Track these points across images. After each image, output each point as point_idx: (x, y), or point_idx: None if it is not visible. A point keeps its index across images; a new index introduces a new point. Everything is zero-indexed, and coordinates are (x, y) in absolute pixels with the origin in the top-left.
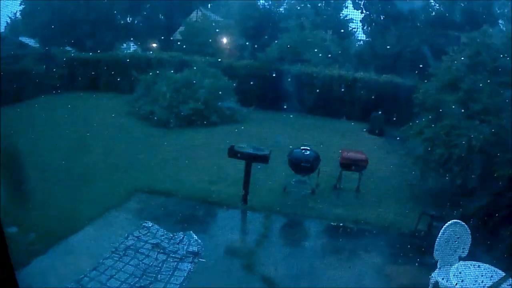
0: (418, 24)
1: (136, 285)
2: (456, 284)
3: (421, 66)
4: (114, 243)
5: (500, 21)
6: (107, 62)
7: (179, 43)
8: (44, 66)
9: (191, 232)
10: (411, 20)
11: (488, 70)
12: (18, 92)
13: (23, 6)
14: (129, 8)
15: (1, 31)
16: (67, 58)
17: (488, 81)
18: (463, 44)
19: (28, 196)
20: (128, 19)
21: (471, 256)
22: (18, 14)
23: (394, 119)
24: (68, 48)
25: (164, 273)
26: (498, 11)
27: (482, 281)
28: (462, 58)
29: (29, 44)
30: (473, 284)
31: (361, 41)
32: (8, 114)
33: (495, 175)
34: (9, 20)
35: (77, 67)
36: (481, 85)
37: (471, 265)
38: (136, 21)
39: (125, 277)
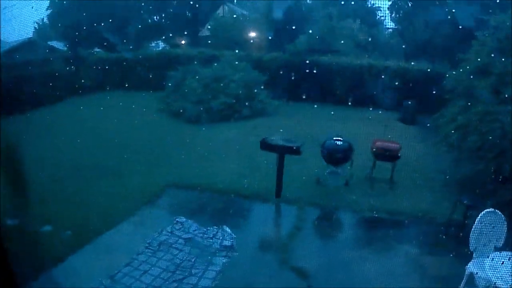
0: (447, 9)
1: (170, 279)
2: (491, 275)
3: (451, 51)
4: (148, 238)
5: None
6: (136, 61)
7: (207, 39)
8: (74, 68)
9: (225, 226)
10: (439, 6)
11: None
12: (51, 94)
13: (50, 11)
14: (156, 6)
15: (30, 36)
16: (96, 59)
17: None
18: (492, 28)
19: (63, 194)
20: (155, 17)
21: (508, 246)
22: (45, 19)
23: (426, 107)
24: (97, 49)
25: (198, 267)
26: None
27: None
28: (492, 42)
29: (58, 47)
30: (509, 274)
31: (390, 29)
32: (42, 115)
33: None
34: (37, 26)
35: (106, 67)
36: None
37: (507, 255)
38: (163, 19)
39: (158, 272)
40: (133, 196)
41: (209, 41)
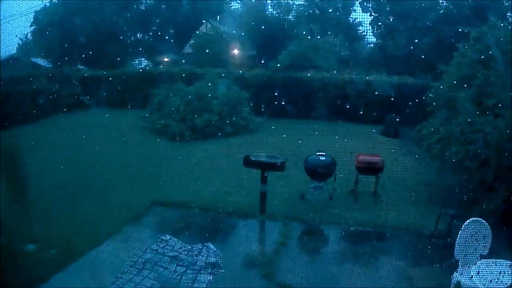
0: (427, 23)
1: None
2: (477, 283)
3: (433, 65)
4: (132, 257)
5: (508, 14)
6: (119, 79)
7: (190, 56)
8: (57, 86)
9: (209, 243)
10: (420, 20)
11: (499, 63)
12: (34, 111)
13: (34, 27)
14: (139, 24)
15: (13, 52)
16: (80, 76)
17: (500, 74)
18: (473, 39)
19: (47, 214)
20: (138, 35)
21: (493, 253)
22: (29, 36)
23: (409, 120)
24: (80, 66)
25: (183, 285)
26: (506, 3)
27: (504, 278)
28: (473, 53)
29: (42, 64)
30: (495, 281)
31: (372, 44)
32: (25, 133)
33: None
34: (20, 42)
35: (89, 85)
36: (493, 79)
37: (493, 262)
38: (146, 37)
39: None
40: (117, 214)
41: (192, 59)
